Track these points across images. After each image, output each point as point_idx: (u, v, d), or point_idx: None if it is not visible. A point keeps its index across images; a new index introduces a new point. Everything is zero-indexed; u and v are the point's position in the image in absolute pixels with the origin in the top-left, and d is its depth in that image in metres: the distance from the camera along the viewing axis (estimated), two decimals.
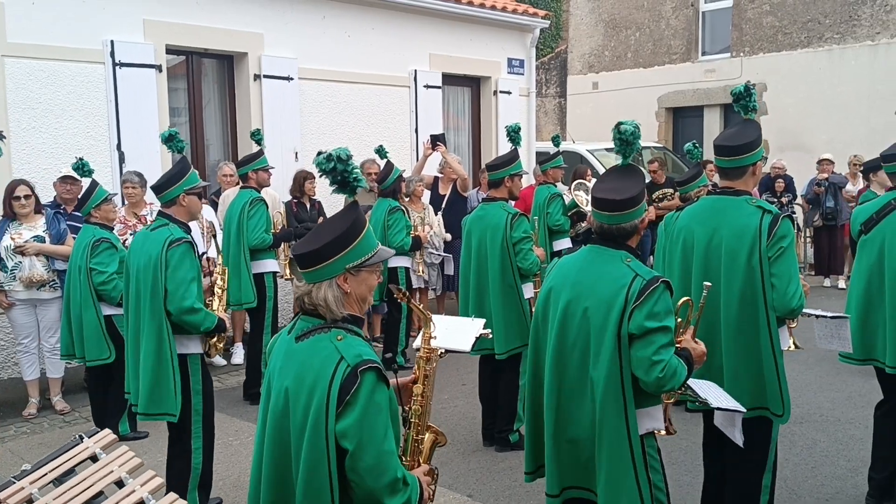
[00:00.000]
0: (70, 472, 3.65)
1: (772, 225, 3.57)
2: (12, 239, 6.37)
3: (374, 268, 2.54)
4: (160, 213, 4.55)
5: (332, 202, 8.19)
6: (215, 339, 4.68)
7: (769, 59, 14.95)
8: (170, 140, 4.68)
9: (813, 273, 11.88)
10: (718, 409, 3.41)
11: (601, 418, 2.98)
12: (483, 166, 9.50)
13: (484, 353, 5.66)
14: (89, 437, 3.87)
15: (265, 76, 8.96)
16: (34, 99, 7.36)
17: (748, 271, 3.60)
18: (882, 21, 13.74)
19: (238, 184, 7.35)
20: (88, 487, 3.51)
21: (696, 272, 3.76)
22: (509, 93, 11.89)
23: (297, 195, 8.32)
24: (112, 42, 7.74)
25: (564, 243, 8.16)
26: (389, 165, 7.72)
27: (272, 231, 6.99)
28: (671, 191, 9.57)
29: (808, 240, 12.30)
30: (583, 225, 8.69)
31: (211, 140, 9.21)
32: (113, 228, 6.12)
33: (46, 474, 3.62)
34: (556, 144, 8.76)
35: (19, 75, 7.26)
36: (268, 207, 6.94)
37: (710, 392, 3.44)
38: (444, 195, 9.41)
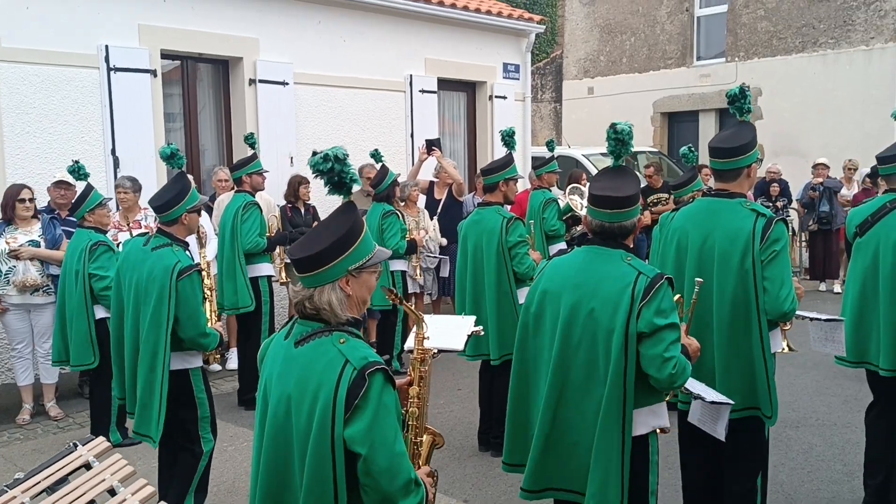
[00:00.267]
0: (63, 481, 3.62)
1: (765, 228, 3.58)
2: (7, 243, 6.36)
3: (374, 268, 2.53)
4: (160, 231, 4.46)
5: (326, 207, 8.17)
6: (213, 351, 4.73)
7: (764, 64, 15.00)
8: (171, 158, 4.56)
9: (808, 277, 11.90)
10: (714, 402, 3.42)
11: (604, 418, 2.96)
12: (478, 171, 9.49)
13: (483, 358, 5.65)
14: (83, 445, 3.84)
15: (260, 81, 8.95)
16: (28, 104, 7.34)
17: (741, 274, 3.61)
18: (876, 26, 13.79)
19: (233, 188, 7.34)
20: (80, 496, 3.48)
21: (689, 273, 3.76)
22: (505, 97, 11.89)
23: (291, 200, 8.30)
24: (107, 47, 7.73)
25: (560, 247, 8.16)
26: (384, 170, 7.71)
27: (267, 235, 6.98)
28: (666, 195, 9.58)
29: (804, 244, 12.32)
30: (578, 229, 8.69)
31: (206, 145, 9.19)
32: (106, 233, 6.10)
33: (39, 482, 3.59)
34: (551, 149, 8.76)
35: (13, 80, 7.24)
36: (262, 211, 6.93)
37: (698, 387, 3.48)
38: (440, 200, 9.40)
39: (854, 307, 4.41)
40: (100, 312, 5.86)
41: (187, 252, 4.43)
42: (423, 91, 10.69)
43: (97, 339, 5.83)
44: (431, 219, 9.06)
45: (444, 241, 8.93)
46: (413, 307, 3.00)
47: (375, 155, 7.89)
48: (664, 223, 4.04)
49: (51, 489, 3.58)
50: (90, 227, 5.87)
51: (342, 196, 2.53)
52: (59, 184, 6.81)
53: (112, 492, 3.54)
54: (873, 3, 13.80)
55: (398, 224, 7.51)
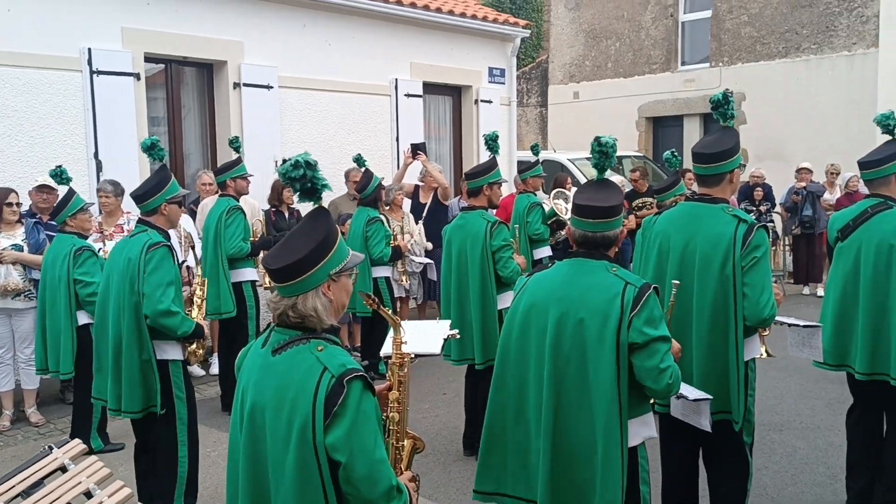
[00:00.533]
0: (38, 485, 3.58)
1: (746, 234, 3.59)
2: None
3: (351, 272, 2.53)
4: (140, 221, 4.51)
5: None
6: (195, 345, 4.64)
7: (748, 69, 15.09)
8: (151, 149, 4.60)
9: (792, 281, 11.97)
10: (696, 400, 3.45)
11: (604, 429, 2.94)
12: (463, 175, 9.50)
13: (468, 362, 5.64)
14: (58, 448, 3.81)
15: (245, 84, 8.92)
16: (10, 107, 7.27)
17: (721, 279, 3.62)
18: (858, 32, 13.90)
19: (217, 192, 7.30)
20: (56, 500, 3.45)
21: (669, 277, 3.76)
22: (490, 102, 11.91)
23: (275, 203, 8.27)
24: (90, 50, 7.68)
25: (545, 252, 8.16)
26: (368, 174, 7.69)
27: (251, 239, 6.95)
28: (651, 200, 9.61)
29: (787, 248, 12.39)
30: (562, 233, 8.69)
31: (190, 149, 9.15)
32: (88, 238, 6.04)
33: (14, 486, 3.55)
34: (535, 153, 8.77)
35: None
36: (245, 216, 6.90)
37: (683, 387, 3.50)
38: (426, 204, 9.40)
39: (835, 311, 4.44)
40: (82, 318, 5.78)
41: (169, 241, 4.44)
42: (408, 95, 10.69)
43: (79, 346, 5.76)
44: (417, 223, 9.05)
45: (430, 246, 8.92)
46: (398, 312, 2.99)
47: (359, 160, 7.87)
48: (647, 226, 4.05)
49: (26, 493, 3.54)
50: (72, 232, 5.82)
51: (313, 202, 2.51)
52: (42, 188, 6.75)
53: (88, 494, 3.50)
54: (855, 8, 13.92)
55: (383, 231, 7.49)
